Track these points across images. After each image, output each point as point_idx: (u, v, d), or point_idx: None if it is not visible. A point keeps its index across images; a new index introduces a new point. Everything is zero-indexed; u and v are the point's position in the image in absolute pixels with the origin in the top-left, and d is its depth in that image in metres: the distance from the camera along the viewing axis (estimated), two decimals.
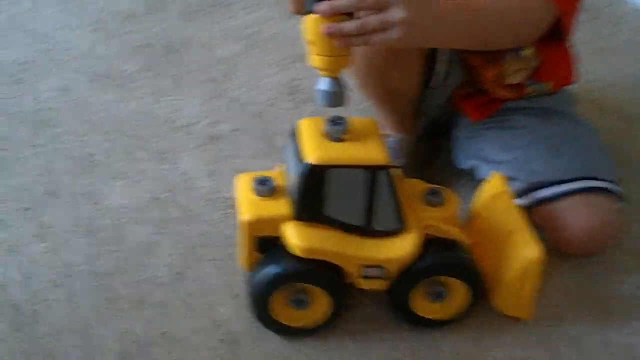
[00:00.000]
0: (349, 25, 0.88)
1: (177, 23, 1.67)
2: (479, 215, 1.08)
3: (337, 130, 0.94)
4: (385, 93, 1.20)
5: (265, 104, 1.44)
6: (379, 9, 0.89)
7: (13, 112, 1.36)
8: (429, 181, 1.04)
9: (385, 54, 1.11)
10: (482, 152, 1.19)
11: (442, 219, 1.00)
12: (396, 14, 0.89)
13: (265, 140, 1.33)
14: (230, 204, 1.14)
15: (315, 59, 0.92)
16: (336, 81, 0.93)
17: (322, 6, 0.88)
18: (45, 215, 1.15)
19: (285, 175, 1.00)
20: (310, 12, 0.89)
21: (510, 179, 1.10)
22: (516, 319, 1.03)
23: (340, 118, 0.95)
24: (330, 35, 0.88)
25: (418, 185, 1.03)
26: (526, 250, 0.98)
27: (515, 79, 1.17)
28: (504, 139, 1.18)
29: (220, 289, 1.05)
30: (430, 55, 1.17)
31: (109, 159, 1.27)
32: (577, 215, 1.08)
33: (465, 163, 1.23)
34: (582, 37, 1.69)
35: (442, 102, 1.26)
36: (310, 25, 0.90)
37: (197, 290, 1.05)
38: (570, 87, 1.26)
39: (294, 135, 0.98)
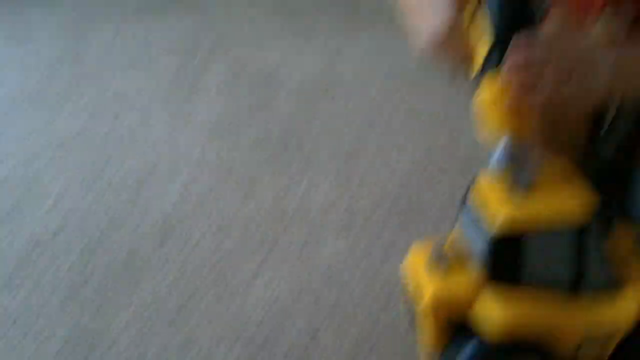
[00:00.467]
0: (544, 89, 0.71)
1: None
2: None
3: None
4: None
5: (397, 184, 1.30)
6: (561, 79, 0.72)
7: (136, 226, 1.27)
8: None
9: None
10: None
11: None
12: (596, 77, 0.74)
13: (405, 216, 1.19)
14: None
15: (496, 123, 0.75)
16: (522, 147, 0.77)
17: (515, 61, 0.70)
18: (187, 326, 1.02)
19: (461, 241, 0.84)
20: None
21: None
22: None
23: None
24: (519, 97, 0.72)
25: (626, 235, 0.86)
26: None
27: None
28: None
29: None
30: None
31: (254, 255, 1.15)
32: None
33: None
34: None
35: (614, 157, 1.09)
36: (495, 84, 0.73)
37: None
38: None
39: (469, 196, 0.83)
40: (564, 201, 0.77)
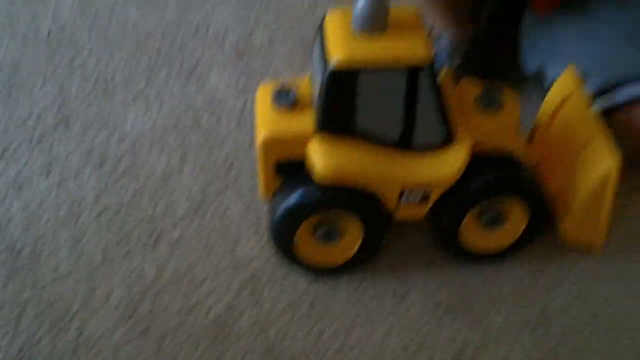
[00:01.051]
0: None
1: None
2: (546, 125, 0.90)
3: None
4: None
5: (305, 8, 1.27)
6: None
7: (27, 34, 1.24)
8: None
9: None
10: (553, 47, 1.00)
11: (499, 128, 0.82)
12: None
13: (306, 49, 1.16)
14: None
15: None
16: None
17: None
18: (55, 147, 1.03)
19: (312, 82, 0.84)
20: None
21: (585, 75, 0.91)
22: (585, 253, 0.86)
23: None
24: None
25: (471, 87, 0.85)
26: (602, 161, 0.80)
27: None
28: (579, 30, 0.98)
29: (244, 224, 0.92)
30: None
31: (128, 81, 1.13)
32: None
33: (533, 64, 1.03)
34: None
35: None
36: None
37: (218, 225, 0.92)
38: None
39: (320, 31, 0.81)
40: (402, 47, 0.75)
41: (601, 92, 0.92)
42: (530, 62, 1.04)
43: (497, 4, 1.10)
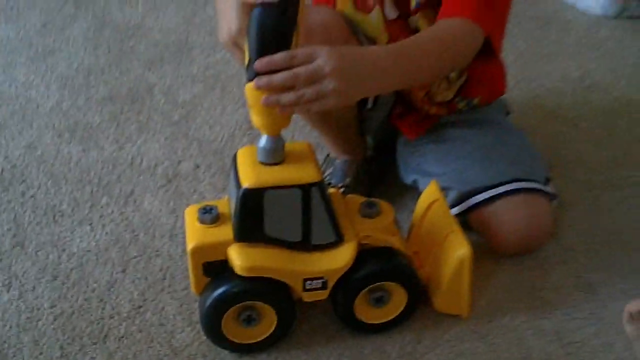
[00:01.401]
0: (286, 98, 0.93)
1: (141, 73, 1.75)
2: (418, 224, 1.14)
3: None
4: (324, 119, 1.26)
5: (224, 141, 1.50)
6: (313, 81, 0.94)
7: None
8: (377, 197, 1.09)
9: None
10: (421, 167, 1.25)
11: (378, 229, 1.05)
12: (329, 84, 0.94)
13: (225, 175, 1.39)
14: None
15: (256, 120, 0.98)
16: (275, 139, 0.99)
17: (260, 82, 0.93)
18: (13, 265, 1.21)
19: (229, 202, 1.06)
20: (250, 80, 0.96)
21: (447, 189, 1.16)
22: (456, 317, 1.08)
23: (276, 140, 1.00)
24: (269, 105, 0.94)
25: (355, 200, 1.08)
26: (459, 249, 1.04)
27: (444, 97, 1.23)
28: (440, 153, 1.24)
29: (179, 318, 1.11)
30: None
31: (75, 208, 1.33)
32: (512, 215, 1.14)
33: (409, 178, 1.28)
34: (531, 45, 1.77)
35: (382, 123, 1.31)
36: (250, 93, 0.96)
37: (157, 321, 1.10)
38: (504, 95, 1.32)
39: (233, 163, 1.04)
40: (297, 171, 0.99)
41: (458, 200, 1.17)
42: (406, 176, 1.29)
43: (379, 134, 1.35)
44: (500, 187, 1.15)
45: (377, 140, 1.36)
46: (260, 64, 0.92)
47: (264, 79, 0.93)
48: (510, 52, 1.72)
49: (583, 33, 1.86)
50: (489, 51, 1.17)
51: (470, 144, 1.22)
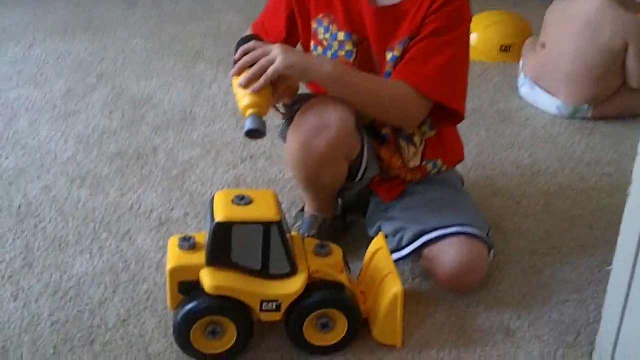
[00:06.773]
0: (250, 72, 1.28)
1: (148, 135, 2.00)
2: (366, 267, 1.35)
3: (242, 199, 1.22)
4: (315, 187, 1.48)
5: (210, 194, 1.72)
6: (266, 55, 1.29)
7: (1, 206, 1.66)
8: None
9: (321, 160, 1.38)
10: (387, 214, 1.47)
11: (327, 266, 1.26)
12: (275, 51, 1.29)
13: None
14: None
15: (241, 107, 1.27)
16: (255, 117, 1.25)
17: (233, 70, 1.31)
18: (21, 282, 1.42)
19: (205, 234, 1.27)
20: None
21: (404, 229, 1.40)
22: (391, 347, 1.28)
23: (244, 196, 1.23)
24: (243, 85, 1.27)
25: (311, 242, 1.30)
26: (394, 287, 1.24)
27: (414, 162, 1.47)
28: (404, 202, 1.47)
29: (157, 331, 1.31)
30: (357, 158, 1.45)
31: (78, 240, 1.55)
32: (453, 253, 1.36)
33: (373, 228, 1.49)
34: (491, 135, 2.03)
35: (360, 191, 1.54)
36: (234, 84, 1.30)
37: (138, 333, 1.30)
38: (462, 169, 1.56)
39: (211, 203, 1.26)
40: (261, 212, 1.21)
41: (413, 239, 1.41)
42: (371, 228, 1.51)
43: (352, 198, 1.57)
44: (447, 229, 1.37)
45: (350, 203, 1.58)
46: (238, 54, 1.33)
47: (235, 68, 1.31)
48: (472, 140, 1.98)
49: (539, 129, 2.10)
50: (445, 121, 1.44)
51: (428, 196, 1.47)
